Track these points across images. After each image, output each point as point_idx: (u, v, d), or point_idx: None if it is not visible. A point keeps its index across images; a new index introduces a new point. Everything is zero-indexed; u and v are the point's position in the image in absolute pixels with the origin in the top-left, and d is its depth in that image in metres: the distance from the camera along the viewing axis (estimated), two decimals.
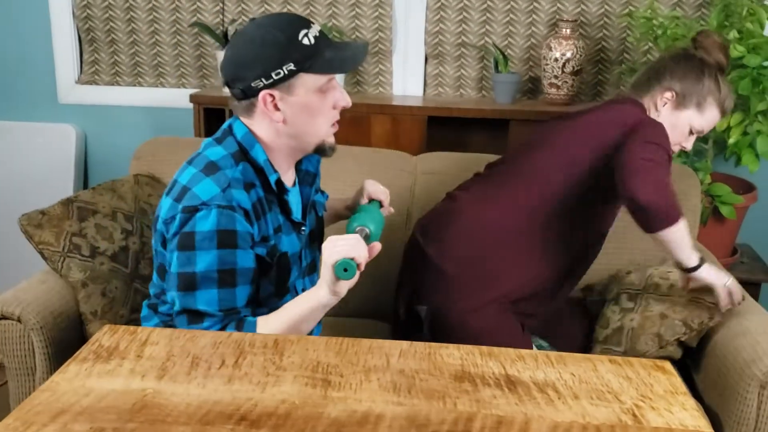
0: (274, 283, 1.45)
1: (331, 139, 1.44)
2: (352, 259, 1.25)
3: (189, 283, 1.32)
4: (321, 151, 1.44)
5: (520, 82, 2.76)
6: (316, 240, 1.60)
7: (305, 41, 1.33)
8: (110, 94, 2.97)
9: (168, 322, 1.49)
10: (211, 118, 2.71)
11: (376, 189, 1.66)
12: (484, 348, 1.19)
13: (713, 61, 1.81)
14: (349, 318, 2.14)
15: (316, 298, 1.33)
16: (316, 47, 1.34)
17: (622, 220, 1.85)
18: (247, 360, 1.13)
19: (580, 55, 2.59)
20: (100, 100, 2.97)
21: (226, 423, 0.95)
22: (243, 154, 1.39)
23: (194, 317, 1.33)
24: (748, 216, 2.54)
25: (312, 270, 1.61)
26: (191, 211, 1.32)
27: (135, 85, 2.96)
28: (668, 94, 1.82)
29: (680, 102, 1.81)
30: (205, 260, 1.31)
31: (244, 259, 1.34)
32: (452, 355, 1.17)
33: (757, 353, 1.61)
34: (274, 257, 1.43)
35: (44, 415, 0.95)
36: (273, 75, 1.32)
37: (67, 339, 1.77)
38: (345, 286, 1.30)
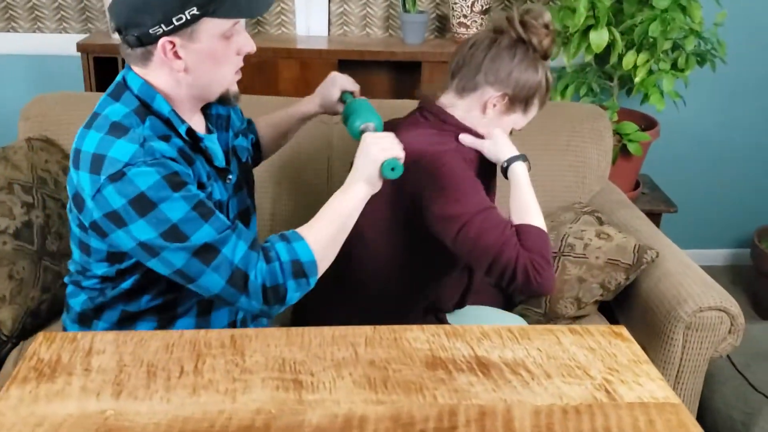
0: None
1: (235, 87, 1.35)
2: (398, 159, 1.27)
3: (177, 233, 1.20)
4: (225, 100, 1.35)
5: (429, 21, 2.69)
6: (243, 187, 1.50)
7: None
8: None
9: (95, 297, 1.39)
10: (103, 68, 2.49)
11: (347, 80, 1.61)
12: (448, 327, 1.18)
13: (543, 50, 1.50)
14: None
15: (357, 194, 1.31)
16: None
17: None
18: (207, 364, 1.06)
19: None
20: None
21: None
22: (145, 108, 1.28)
23: (207, 253, 1.21)
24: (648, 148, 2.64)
25: (246, 221, 1.51)
26: (120, 176, 1.19)
27: (8, 31, 2.66)
28: (499, 96, 1.51)
29: (509, 105, 1.53)
30: (174, 207, 1.19)
31: (199, 193, 1.25)
32: (418, 338, 1.15)
33: (681, 295, 1.69)
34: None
35: None
36: (174, 20, 1.20)
37: None
38: (381, 182, 1.31)
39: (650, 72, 2.39)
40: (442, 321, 1.70)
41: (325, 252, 1.28)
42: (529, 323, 1.84)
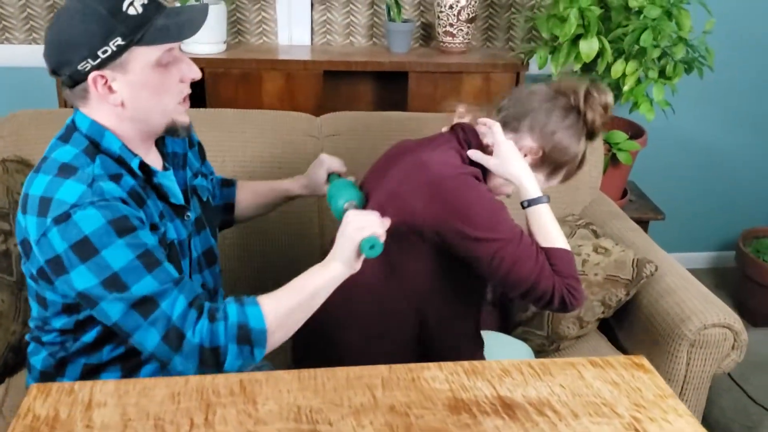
0: None
1: (183, 118, 1.29)
2: (377, 237, 1.25)
3: (117, 283, 1.14)
4: (172, 131, 1.29)
5: (414, 30, 2.64)
6: (206, 227, 1.45)
7: (131, 11, 1.17)
8: None
9: (56, 352, 1.32)
10: None
11: (334, 162, 1.62)
12: (466, 364, 1.13)
13: (592, 127, 1.50)
14: None
15: (330, 273, 1.26)
16: (145, 16, 1.18)
17: None
18: (218, 415, 1.00)
19: (475, 2, 2.51)
20: None
21: None
22: (95, 147, 1.23)
23: (145, 306, 1.16)
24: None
25: (211, 262, 1.46)
26: (65, 218, 1.14)
27: None
28: (535, 147, 1.49)
29: (539, 162, 1.49)
30: (116, 255, 1.14)
31: (149, 238, 1.19)
32: (437, 377, 1.10)
33: (684, 313, 1.67)
34: (166, 246, 1.29)
35: None
36: (99, 53, 1.16)
37: None
38: (361, 261, 1.28)
39: (638, 80, 2.37)
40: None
41: (279, 323, 1.21)
42: (532, 346, 1.80)
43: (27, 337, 1.39)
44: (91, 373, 1.31)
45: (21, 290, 1.67)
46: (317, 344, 1.56)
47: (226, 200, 1.67)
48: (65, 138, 1.25)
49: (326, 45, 2.70)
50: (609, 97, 1.50)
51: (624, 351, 1.84)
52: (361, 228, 1.24)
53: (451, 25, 2.54)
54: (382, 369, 1.11)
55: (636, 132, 2.57)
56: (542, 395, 1.07)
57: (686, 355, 1.66)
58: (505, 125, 1.50)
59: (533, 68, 2.61)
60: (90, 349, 1.30)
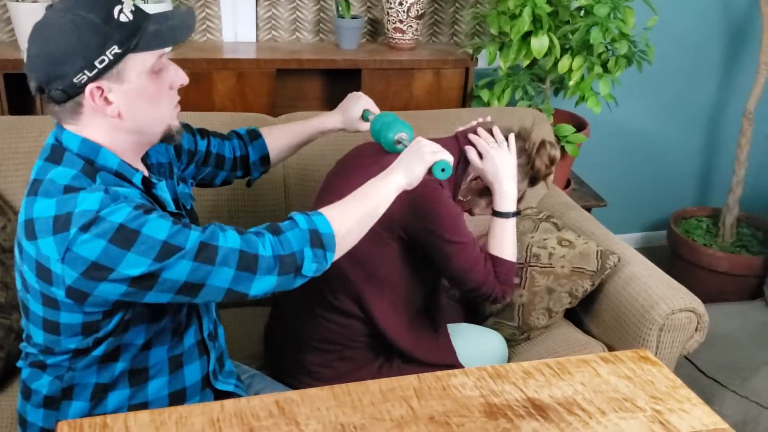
0: None
1: (176, 123, 1.28)
2: (449, 162, 1.34)
3: (170, 249, 1.11)
4: (168, 138, 1.27)
5: (362, 26, 2.65)
6: None
7: (122, 18, 1.15)
8: None
9: (62, 374, 1.27)
10: (13, 86, 2.27)
11: (369, 101, 1.67)
12: (490, 368, 1.17)
13: (535, 174, 1.69)
14: (247, 308, 2.00)
15: (392, 183, 1.32)
16: (136, 22, 1.17)
17: None
18: None
19: None
20: None
21: None
22: (91, 166, 1.19)
23: (206, 252, 1.13)
24: None
25: None
26: (92, 222, 1.10)
27: None
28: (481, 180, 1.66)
29: (483, 189, 1.68)
30: (156, 226, 1.12)
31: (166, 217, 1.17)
32: (466, 384, 1.13)
33: (653, 299, 1.77)
34: None
35: None
36: (96, 64, 1.13)
37: None
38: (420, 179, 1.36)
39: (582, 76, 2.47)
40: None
41: (347, 229, 1.25)
42: (503, 335, 1.87)
43: (20, 363, 1.32)
44: (101, 392, 1.28)
45: None
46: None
47: (261, 153, 1.66)
48: (54, 159, 1.19)
49: (272, 41, 2.67)
50: (557, 153, 1.69)
51: (592, 336, 1.93)
52: (436, 152, 1.34)
53: (401, 21, 2.56)
54: (411, 380, 1.14)
55: (579, 124, 2.68)
56: (567, 394, 1.13)
57: (656, 339, 1.77)
58: (469, 149, 1.64)
59: (482, 63, 2.67)
60: (100, 365, 1.25)
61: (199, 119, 2.06)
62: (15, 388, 1.60)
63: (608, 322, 1.88)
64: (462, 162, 1.65)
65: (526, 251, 1.97)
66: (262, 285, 1.17)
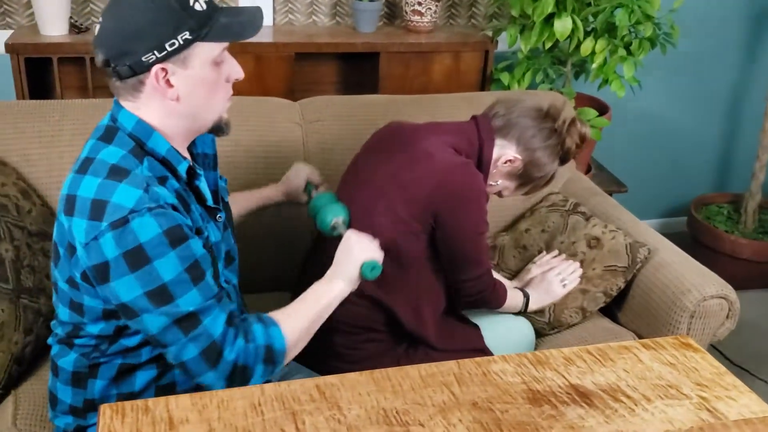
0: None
1: (226, 115, 1.30)
2: (377, 260, 1.33)
3: (163, 296, 1.14)
4: (218, 129, 1.29)
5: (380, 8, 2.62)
6: (228, 227, 1.46)
7: (197, 6, 1.17)
8: None
9: (89, 353, 1.28)
10: (34, 70, 2.25)
11: (312, 172, 1.69)
12: (530, 355, 1.15)
13: (566, 152, 1.65)
14: (257, 294, 1.97)
15: (333, 292, 1.32)
16: (209, 13, 1.18)
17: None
18: (307, 424, 0.98)
19: None
20: None
21: None
22: (141, 148, 1.21)
23: (188, 322, 1.16)
24: None
25: (230, 261, 1.46)
26: (122, 224, 1.11)
27: None
28: (515, 160, 1.62)
29: (514, 172, 1.64)
30: (168, 266, 1.14)
31: (197, 246, 1.20)
32: (506, 370, 1.11)
33: (684, 286, 1.75)
34: (209, 250, 1.28)
35: None
36: (167, 46, 1.15)
37: None
38: (359, 281, 1.36)
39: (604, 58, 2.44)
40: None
41: (296, 343, 1.27)
42: (534, 329, 1.84)
43: (51, 340, 1.34)
44: (126, 372, 1.28)
45: (19, 297, 1.58)
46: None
47: None
48: (107, 138, 1.22)
49: (289, 25, 2.64)
50: (587, 130, 1.67)
51: (619, 324, 1.91)
52: (364, 249, 1.34)
53: (419, 3, 2.53)
54: (451, 365, 1.12)
55: (601, 108, 2.65)
56: (611, 381, 1.11)
57: (686, 326, 1.74)
58: (498, 130, 1.63)
59: (502, 46, 2.64)
60: (128, 352, 1.27)
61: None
62: (45, 372, 1.59)
63: (637, 310, 1.86)
64: (486, 146, 1.62)
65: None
66: (215, 381, 1.18)
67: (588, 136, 1.67)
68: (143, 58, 1.14)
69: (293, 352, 1.27)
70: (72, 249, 1.16)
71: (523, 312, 1.78)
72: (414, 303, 1.60)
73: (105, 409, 0.99)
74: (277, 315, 1.27)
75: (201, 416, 0.98)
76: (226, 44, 1.21)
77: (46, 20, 2.26)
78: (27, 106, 1.91)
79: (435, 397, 1.05)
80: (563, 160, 1.68)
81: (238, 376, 1.19)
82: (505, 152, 1.62)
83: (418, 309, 1.61)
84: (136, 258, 1.11)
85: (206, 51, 1.18)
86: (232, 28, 1.19)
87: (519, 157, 1.61)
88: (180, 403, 1.01)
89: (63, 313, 1.26)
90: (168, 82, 1.18)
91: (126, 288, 1.12)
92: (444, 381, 1.08)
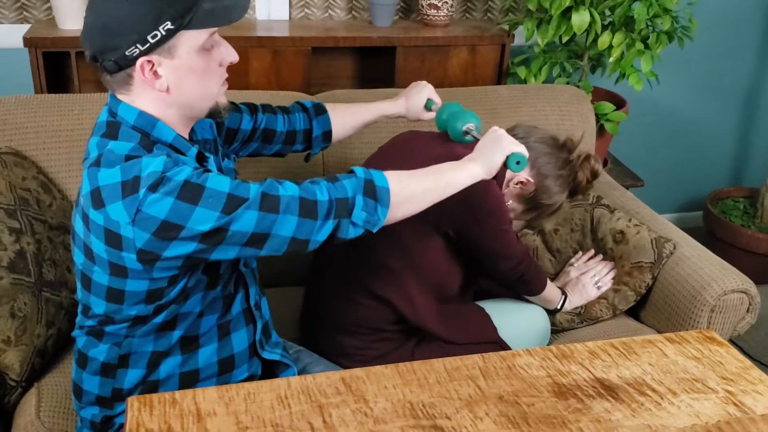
0: None
1: (224, 99, 1.29)
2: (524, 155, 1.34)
3: (235, 199, 1.13)
4: (215, 114, 1.28)
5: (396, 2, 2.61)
6: None
7: None
8: None
9: (120, 342, 1.28)
10: (52, 64, 2.26)
11: (433, 91, 1.66)
12: (554, 349, 1.15)
13: (576, 185, 1.68)
14: (279, 288, 1.98)
15: (468, 171, 1.32)
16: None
17: None
18: (333, 416, 0.98)
19: None
20: None
21: None
22: (147, 139, 1.21)
23: (269, 201, 1.15)
24: None
25: None
26: (159, 182, 1.12)
27: None
28: (526, 183, 1.62)
29: (524, 195, 1.65)
30: (219, 182, 1.14)
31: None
32: (531, 364, 1.11)
33: (704, 280, 1.74)
34: None
35: None
36: (149, 38, 1.13)
37: None
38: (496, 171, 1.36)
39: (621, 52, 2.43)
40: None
41: (407, 194, 1.24)
42: (561, 319, 1.84)
43: (76, 333, 1.33)
44: (155, 360, 1.29)
45: (41, 290, 1.59)
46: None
47: (324, 128, 1.65)
48: (111, 134, 1.20)
49: (305, 19, 2.64)
50: (599, 167, 1.69)
51: (638, 319, 1.90)
52: (514, 142, 1.34)
53: None
54: (476, 359, 1.12)
55: (618, 102, 2.63)
56: (636, 375, 1.10)
57: (707, 321, 1.74)
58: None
59: (518, 40, 2.63)
60: (158, 332, 1.27)
61: (235, 98, 2.04)
62: (67, 364, 1.60)
63: (657, 304, 1.85)
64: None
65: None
66: (323, 232, 1.18)
67: (599, 173, 1.69)
68: (127, 53, 1.14)
69: (405, 203, 1.24)
70: (115, 237, 1.13)
71: (558, 310, 1.82)
72: (408, 294, 1.59)
73: (133, 402, 0.99)
74: (392, 172, 1.26)
75: (228, 409, 0.99)
76: (213, 30, 1.19)
77: (64, 14, 2.26)
78: (46, 100, 1.92)
79: (461, 391, 1.05)
80: (573, 193, 1.70)
81: (341, 210, 1.18)
82: (518, 173, 1.62)
83: (411, 299, 1.60)
84: (190, 191, 1.11)
85: (192, 39, 1.16)
86: (216, 13, 1.17)
87: (531, 180, 1.62)
88: (207, 396, 1.01)
89: (97, 305, 1.24)
90: (155, 73, 1.17)
91: (201, 219, 1.10)
92: (469, 374, 1.08)
